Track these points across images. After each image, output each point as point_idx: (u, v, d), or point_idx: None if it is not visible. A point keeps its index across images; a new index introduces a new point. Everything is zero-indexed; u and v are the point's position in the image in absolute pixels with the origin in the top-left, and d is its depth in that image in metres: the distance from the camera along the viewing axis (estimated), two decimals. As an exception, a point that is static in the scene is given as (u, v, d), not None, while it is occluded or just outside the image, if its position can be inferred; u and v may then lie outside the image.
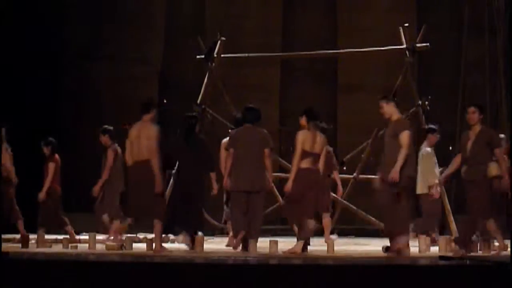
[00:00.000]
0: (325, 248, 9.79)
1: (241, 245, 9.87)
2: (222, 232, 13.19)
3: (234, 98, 14.33)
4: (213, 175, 10.34)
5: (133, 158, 9.54)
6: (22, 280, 7.08)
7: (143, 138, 9.46)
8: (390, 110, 9.53)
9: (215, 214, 12.84)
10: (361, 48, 14.50)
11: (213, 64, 14.00)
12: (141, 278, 7.15)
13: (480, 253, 9.83)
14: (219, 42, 14.01)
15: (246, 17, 16.89)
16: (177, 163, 10.46)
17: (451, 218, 12.69)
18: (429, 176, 11.29)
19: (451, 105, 16.51)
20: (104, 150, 11.44)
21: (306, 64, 16.78)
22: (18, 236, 10.81)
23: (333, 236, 11.99)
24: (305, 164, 9.56)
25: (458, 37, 16.67)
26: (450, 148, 15.08)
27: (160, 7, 17.02)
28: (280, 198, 13.39)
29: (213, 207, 12.16)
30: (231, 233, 10.72)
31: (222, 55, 14.09)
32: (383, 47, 14.19)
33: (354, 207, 13.80)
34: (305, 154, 9.56)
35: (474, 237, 9.86)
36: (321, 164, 9.67)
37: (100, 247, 10.11)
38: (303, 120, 9.75)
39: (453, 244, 9.81)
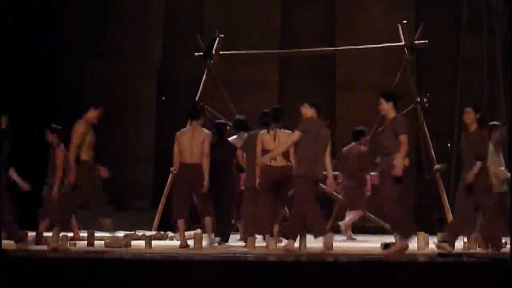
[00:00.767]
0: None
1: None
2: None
3: (232, 96, 14.33)
4: (242, 176, 10.90)
5: (183, 161, 10.23)
6: (21, 278, 7.08)
7: (197, 142, 10.20)
8: (387, 108, 9.59)
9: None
10: (359, 45, 14.50)
11: (212, 61, 14.00)
12: (140, 275, 7.16)
13: (479, 249, 9.84)
14: (217, 39, 14.01)
15: (244, 15, 16.88)
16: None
17: (450, 215, 12.71)
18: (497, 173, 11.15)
19: (450, 102, 16.52)
20: (52, 149, 11.32)
21: (304, 62, 16.76)
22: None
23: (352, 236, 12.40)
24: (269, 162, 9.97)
25: (456, 35, 16.67)
26: (449, 145, 15.11)
27: (158, 4, 17.01)
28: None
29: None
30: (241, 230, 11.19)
31: (220, 53, 14.08)
32: (381, 44, 14.19)
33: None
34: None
35: (476, 234, 9.89)
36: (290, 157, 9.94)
37: (98, 244, 10.11)
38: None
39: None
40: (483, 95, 16.07)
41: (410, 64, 13.59)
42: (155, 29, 16.89)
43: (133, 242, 10.26)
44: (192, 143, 10.22)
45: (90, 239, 10.20)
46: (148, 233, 11.41)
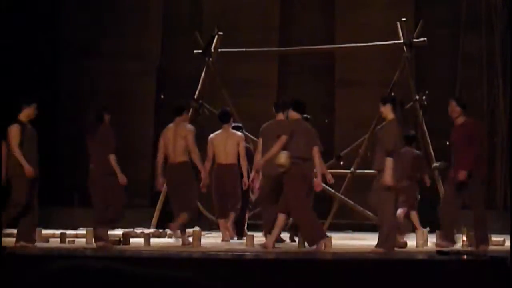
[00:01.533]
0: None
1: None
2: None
3: (231, 93, 14.32)
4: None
5: (220, 161, 10.91)
6: (19, 276, 7.08)
7: (231, 144, 10.89)
8: (386, 111, 9.63)
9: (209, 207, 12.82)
10: (358, 43, 14.49)
11: (211, 59, 13.99)
12: (139, 272, 7.15)
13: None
14: (216, 37, 14.00)
15: (243, 12, 16.85)
16: None
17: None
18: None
19: (448, 100, 16.48)
20: None
21: (303, 59, 16.75)
22: (15, 231, 10.76)
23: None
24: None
25: (455, 32, 16.66)
26: (447, 143, 15.08)
27: (157, 2, 16.98)
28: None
29: (209, 201, 12.13)
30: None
31: (219, 50, 14.08)
32: (380, 42, 14.19)
33: (351, 202, 13.80)
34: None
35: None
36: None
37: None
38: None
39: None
40: (482, 93, 16.06)
41: (409, 61, 13.58)
42: (154, 27, 16.87)
43: (132, 240, 10.26)
44: (227, 145, 10.93)
45: (89, 236, 10.20)
46: (147, 230, 11.41)
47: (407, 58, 13.47)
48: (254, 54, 15.11)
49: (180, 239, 10.09)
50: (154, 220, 13.22)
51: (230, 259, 7.85)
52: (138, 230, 11.59)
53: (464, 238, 10.13)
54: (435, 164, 12.94)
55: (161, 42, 16.90)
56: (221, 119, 11.27)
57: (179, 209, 10.13)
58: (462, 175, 9.64)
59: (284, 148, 9.46)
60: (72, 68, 16.36)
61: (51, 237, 10.67)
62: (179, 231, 10.13)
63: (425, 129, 13.15)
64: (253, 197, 11.29)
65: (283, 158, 9.29)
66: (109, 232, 10.12)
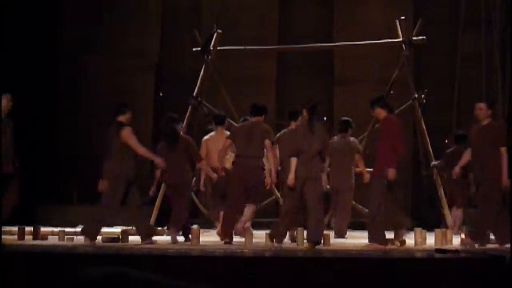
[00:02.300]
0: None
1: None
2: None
3: (230, 91, 14.32)
4: None
5: (214, 164, 10.74)
6: (19, 273, 7.09)
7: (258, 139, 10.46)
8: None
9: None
10: (357, 41, 14.50)
11: (210, 56, 13.99)
12: (138, 270, 7.15)
13: (476, 246, 9.85)
14: (215, 34, 14.00)
15: (242, 10, 16.86)
16: None
17: (446, 212, 12.72)
18: None
19: (447, 98, 16.52)
20: None
21: (302, 57, 16.76)
22: (14, 228, 10.78)
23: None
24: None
25: (454, 31, 16.67)
26: (446, 141, 15.08)
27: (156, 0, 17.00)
28: (277, 191, 13.41)
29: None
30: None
31: (218, 48, 14.08)
32: (379, 40, 14.19)
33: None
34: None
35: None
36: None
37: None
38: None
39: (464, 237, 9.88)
40: (481, 91, 16.07)
41: (408, 60, 13.59)
42: (153, 24, 16.87)
43: (131, 237, 10.26)
44: (253, 139, 10.80)
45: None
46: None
47: (406, 57, 13.48)
48: (253, 51, 15.11)
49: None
50: (153, 218, 13.22)
51: (228, 257, 7.85)
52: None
53: (463, 236, 10.15)
54: (434, 162, 12.95)
55: (160, 39, 16.90)
56: (216, 122, 11.36)
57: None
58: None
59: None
60: (71, 65, 16.36)
61: (50, 234, 10.67)
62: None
63: (424, 127, 13.15)
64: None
65: None
66: (110, 230, 10.16)
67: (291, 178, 9.39)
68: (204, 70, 14.00)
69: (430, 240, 10.29)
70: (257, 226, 12.29)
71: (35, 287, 6.98)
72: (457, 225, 12.47)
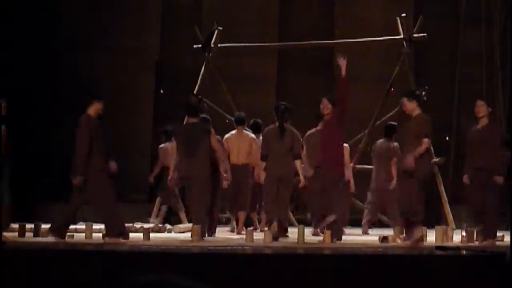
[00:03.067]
0: (321, 238, 9.81)
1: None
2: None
3: (230, 88, 14.32)
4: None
5: (233, 161, 11.38)
6: (19, 270, 7.08)
7: (243, 145, 11.50)
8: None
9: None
10: (358, 39, 14.49)
11: (210, 54, 13.98)
12: (137, 267, 7.16)
13: (476, 243, 9.85)
14: (216, 32, 13.99)
15: (243, 7, 16.84)
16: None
17: (448, 209, 12.72)
18: None
19: (448, 95, 16.51)
20: None
21: (303, 55, 16.74)
22: (14, 226, 10.78)
23: None
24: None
25: (455, 28, 16.66)
26: (447, 138, 15.10)
27: (157, -3, 16.98)
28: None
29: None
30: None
31: (219, 45, 14.07)
32: (380, 37, 14.18)
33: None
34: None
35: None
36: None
37: (96, 236, 10.11)
38: None
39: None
40: (481, 89, 16.06)
41: (408, 57, 13.58)
42: (153, 21, 16.85)
43: (131, 235, 10.26)
44: (240, 146, 11.61)
45: (88, 231, 10.19)
46: (146, 225, 11.41)
47: (407, 54, 13.47)
48: (253, 49, 15.10)
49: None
50: (154, 216, 13.22)
51: (230, 254, 7.85)
52: (138, 225, 11.59)
53: (463, 234, 10.14)
54: (435, 160, 12.94)
55: (160, 36, 16.88)
56: (236, 122, 11.82)
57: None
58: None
59: None
60: (71, 63, 16.33)
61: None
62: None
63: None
64: None
65: None
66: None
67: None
68: (204, 67, 13.99)
69: (431, 237, 10.29)
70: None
71: (36, 284, 6.98)
72: None
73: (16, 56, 14.43)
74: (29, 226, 10.44)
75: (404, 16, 13.57)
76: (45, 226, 10.59)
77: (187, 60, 16.01)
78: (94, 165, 9.38)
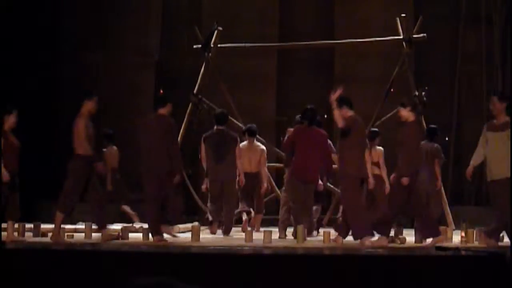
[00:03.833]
0: (321, 238, 9.82)
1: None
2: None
3: (230, 88, 14.31)
4: None
5: (246, 170, 11.80)
6: (20, 269, 7.09)
7: (254, 155, 12.01)
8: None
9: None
10: (358, 39, 14.49)
11: (210, 54, 13.98)
12: (137, 267, 7.16)
13: (476, 243, 9.85)
14: (216, 32, 13.99)
15: (243, 7, 16.84)
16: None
17: (447, 210, 12.72)
18: None
19: (448, 95, 16.51)
20: None
21: (303, 55, 16.74)
22: (15, 225, 10.76)
23: None
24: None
25: (455, 28, 16.66)
26: (446, 138, 15.09)
27: (157, -4, 16.99)
28: (277, 189, 13.42)
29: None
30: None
31: (218, 45, 14.06)
32: (380, 37, 14.18)
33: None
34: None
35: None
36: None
37: (96, 236, 10.11)
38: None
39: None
40: (481, 89, 16.06)
41: (408, 57, 13.58)
42: (153, 21, 16.85)
43: (131, 235, 10.26)
44: (251, 156, 12.03)
45: (87, 231, 10.20)
46: (145, 225, 11.39)
47: (407, 54, 13.47)
48: (253, 49, 15.10)
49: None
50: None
51: (228, 254, 7.86)
52: (137, 225, 11.59)
53: (463, 234, 10.14)
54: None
55: (160, 36, 16.88)
56: (248, 133, 12.18)
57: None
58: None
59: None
60: (71, 63, 16.33)
61: (50, 231, 10.66)
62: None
63: (425, 125, 13.15)
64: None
65: None
66: (110, 227, 10.19)
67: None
68: (204, 67, 13.99)
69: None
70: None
71: (36, 283, 6.98)
72: None
73: (16, 56, 14.43)
74: (29, 226, 10.44)
75: (404, 16, 13.57)
76: (44, 226, 10.60)
77: (187, 60, 16.01)
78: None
